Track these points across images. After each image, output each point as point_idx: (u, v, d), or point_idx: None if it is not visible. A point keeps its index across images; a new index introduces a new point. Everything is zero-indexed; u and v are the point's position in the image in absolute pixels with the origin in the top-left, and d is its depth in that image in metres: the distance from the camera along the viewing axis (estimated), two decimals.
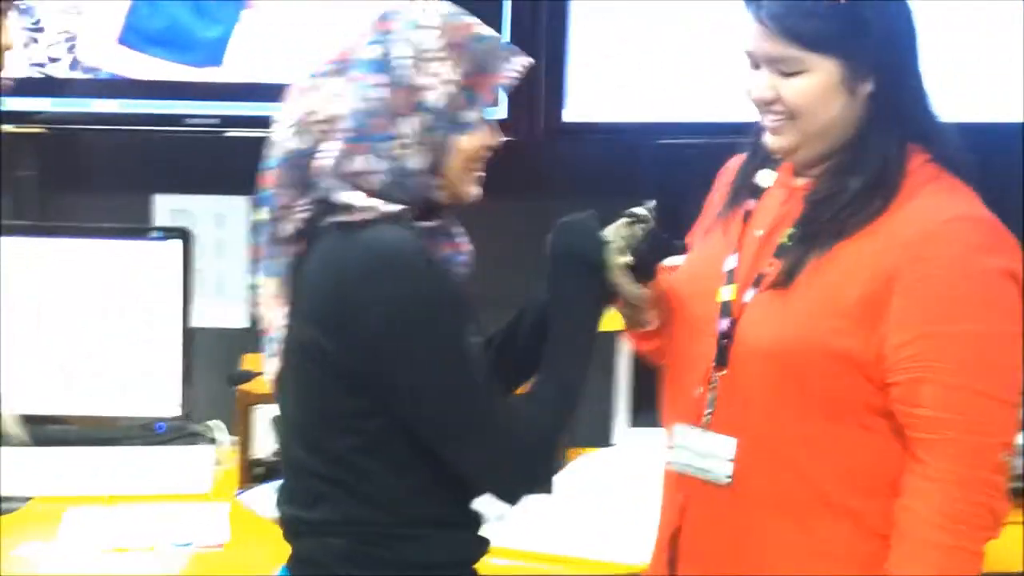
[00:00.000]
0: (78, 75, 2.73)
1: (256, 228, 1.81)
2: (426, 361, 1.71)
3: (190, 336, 2.73)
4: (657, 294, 1.93)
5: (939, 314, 1.75)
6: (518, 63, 1.79)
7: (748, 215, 1.92)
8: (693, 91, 2.85)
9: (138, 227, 2.77)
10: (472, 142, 1.77)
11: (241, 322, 2.96)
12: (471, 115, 1.76)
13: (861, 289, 1.77)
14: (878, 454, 1.80)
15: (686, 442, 1.89)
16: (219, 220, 2.96)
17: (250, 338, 2.93)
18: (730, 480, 1.84)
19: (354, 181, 1.73)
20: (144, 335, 2.71)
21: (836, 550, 1.82)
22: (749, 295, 1.86)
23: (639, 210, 1.87)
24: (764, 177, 1.93)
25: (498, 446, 1.76)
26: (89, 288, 2.70)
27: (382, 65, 1.73)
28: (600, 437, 2.82)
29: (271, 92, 2.75)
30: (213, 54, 2.76)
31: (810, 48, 1.79)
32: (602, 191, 2.98)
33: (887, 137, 1.82)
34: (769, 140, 1.87)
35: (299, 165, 1.76)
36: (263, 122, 2.75)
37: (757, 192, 1.93)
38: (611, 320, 2.64)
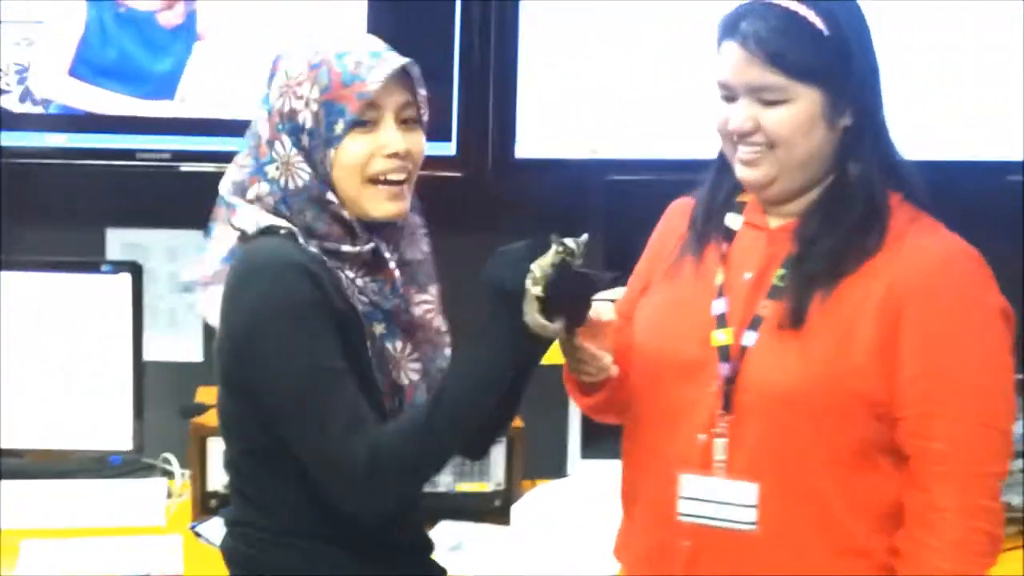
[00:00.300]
0: (28, 107, 2.74)
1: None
2: (276, 368, 1.74)
3: (141, 369, 2.73)
4: (591, 338, 1.85)
5: (945, 350, 1.79)
6: (384, 68, 1.80)
7: (725, 257, 1.90)
8: (644, 127, 2.88)
9: (88, 260, 2.78)
10: (346, 154, 1.80)
11: (195, 356, 2.98)
12: (337, 128, 1.79)
13: (872, 329, 1.79)
14: (888, 490, 1.82)
15: (699, 491, 1.85)
16: (172, 254, 2.97)
17: (204, 371, 2.97)
18: (755, 526, 1.82)
19: (253, 204, 1.84)
20: (96, 368, 2.71)
21: None
22: (749, 338, 1.84)
23: (569, 241, 1.79)
24: (732, 220, 1.92)
25: (332, 457, 1.74)
26: (41, 321, 2.70)
27: (264, 100, 1.85)
28: (554, 468, 2.84)
29: (223, 127, 2.86)
30: (164, 87, 2.78)
31: (795, 76, 1.79)
32: (552, 227, 3.02)
33: (868, 172, 1.84)
34: (743, 173, 1.85)
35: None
36: (215, 156, 2.85)
37: (729, 234, 1.91)
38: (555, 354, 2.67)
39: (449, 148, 2.80)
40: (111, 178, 2.90)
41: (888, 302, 1.79)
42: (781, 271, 1.85)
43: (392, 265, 1.85)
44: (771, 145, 1.82)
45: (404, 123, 1.84)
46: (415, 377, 1.87)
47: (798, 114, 1.80)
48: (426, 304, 1.91)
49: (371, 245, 1.83)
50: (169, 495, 2.71)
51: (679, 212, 2.03)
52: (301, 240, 1.80)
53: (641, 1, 2.83)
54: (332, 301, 1.78)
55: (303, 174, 1.81)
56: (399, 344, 1.85)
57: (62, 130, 2.79)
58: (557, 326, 1.76)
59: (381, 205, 1.82)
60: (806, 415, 1.79)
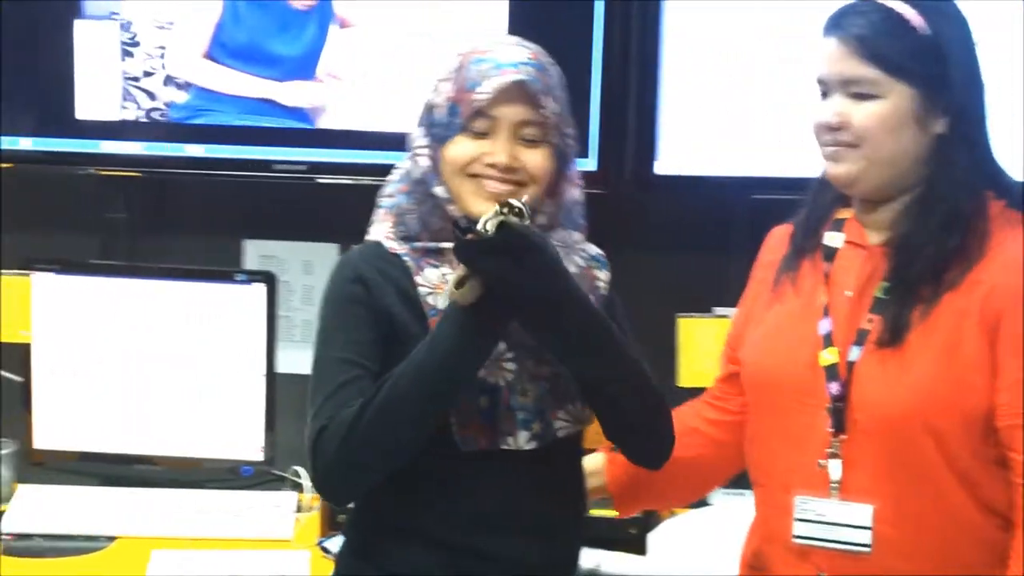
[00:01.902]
0: (171, 91, 2.77)
1: None
2: (315, 345, 1.89)
3: (273, 380, 2.71)
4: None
5: None
6: (497, 81, 1.81)
7: (827, 277, 1.88)
8: (788, 145, 2.77)
9: (223, 270, 2.77)
10: (451, 152, 1.84)
11: None
12: (451, 129, 1.85)
13: (975, 341, 1.75)
14: (1001, 501, 1.78)
15: (814, 513, 1.83)
16: (307, 267, 2.95)
17: None
18: (869, 549, 1.79)
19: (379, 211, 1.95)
20: (229, 378, 2.70)
21: None
22: (854, 353, 1.82)
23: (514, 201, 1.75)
24: (833, 238, 1.90)
25: (307, 435, 1.84)
26: (175, 329, 2.69)
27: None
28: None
29: (360, 140, 2.84)
30: (299, 69, 2.77)
31: (889, 71, 1.78)
32: (692, 245, 2.97)
33: (964, 182, 1.80)
34: (829, 169, 1.85)
35: None
36: (351, 169, 2.84)
37: (830, 254, 1.89)
38: (705, 376, 2.58)
39: (589, 163, 2.74)
40: (249, 189, 2.90)
41: (987, 312, 1.76)
42: (885, 284, 1.82)
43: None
44: (858, 141, 1.80)
45: (524, 140, 1.84)
46: (511, 379, 1.83)
47: (888, 111, 1.79)
48: None
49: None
50: (298, 509, 2.67)
51: (779, 239, 2.01)
52: (388, 246, 1.88)
53: (790, 13, 2.74)
54: (379, 301, 1.83)
55: (422, 162, 1.88)
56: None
57: (202, 141, 2.80)
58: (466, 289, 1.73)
59: (479, 202, 1.84)
60: (919, 432, 1.75)
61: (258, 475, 2.74)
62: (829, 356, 1.83)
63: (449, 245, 1.82)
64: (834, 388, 1.81)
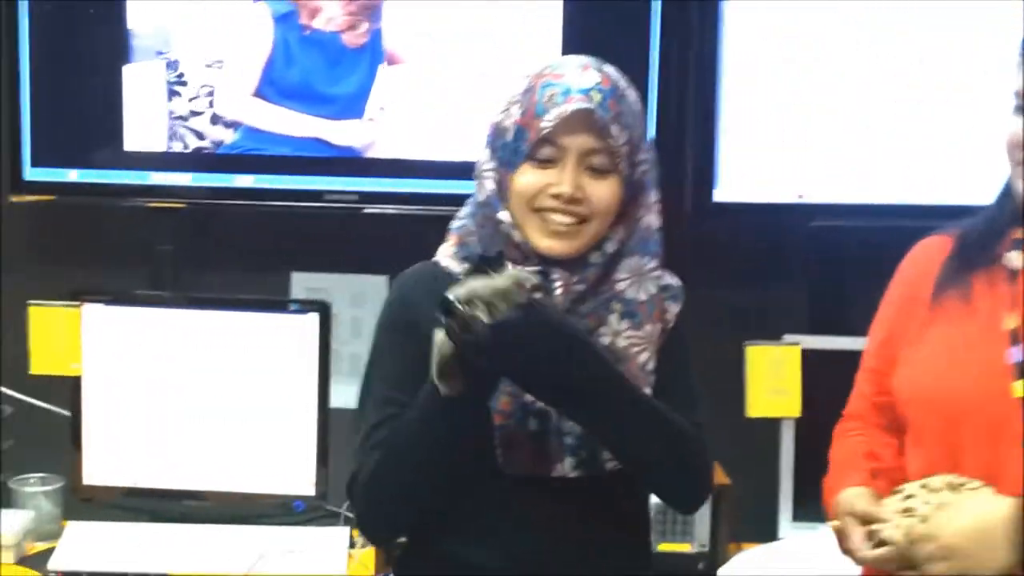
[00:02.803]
0: (219, 130, 2.72)
1: None
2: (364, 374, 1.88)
3: (327, 412, 2.64)
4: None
5: None
6: (563, 108, 1.74)
7: (1016, 301, 1.72)
8: (850, 171, 2.73)
9: (275, 299, 2.71)
10: (518, 181, 1.78)
11: None
12: (518, 154, 1.78)
13: None
14: None
15: None
16: (356, 299, 2.90)
17: None
18: None
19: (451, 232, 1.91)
20: (281, 411, 2.63)
21: None
22: None
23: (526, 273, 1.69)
24: (1014, 259, 1.75)
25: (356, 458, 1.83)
26: (226, 361, 2.63)
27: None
28: (762, 532, 2.63)
29: (410, 169, 2.79)
30: (350, 107, 2.73)
31: None
32: (753, 273, 2.91)
33: None
34: None
35: None
36: (402, 198, 2.79)
37: (1012, 274, 1.74)
38: (775, 405, 2.49)
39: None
40: (296, 221, 2.85)
41: None
42: None
43: (557, 294, 1.76)
44: None
45: (591, 170, 1.77)
46: None
47: None
48: (635, 341, 1.80)
49: (537, 268, 1.76)
50: (351, 544, 2.59)
51: (929, 254, 1.85)
52: (444, 264, 1.85)
53: (849, 38, 2.69)
54: (426, 324, 1.72)
55: (488, 185, 1.83)
56: None
57: (249, 171, 2.76)
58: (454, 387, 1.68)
59: (542, 238, 1.79)
60: None
61: (310, 510, 2.67)
62: (1022, 387, 1.68)
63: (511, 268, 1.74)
64: None
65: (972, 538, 1.61)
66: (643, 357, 1.81)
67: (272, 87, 2.72)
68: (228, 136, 2.74)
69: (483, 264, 1.68)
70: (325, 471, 2.64)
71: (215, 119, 2.73)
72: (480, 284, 1.64)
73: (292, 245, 2.91)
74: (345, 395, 2.79)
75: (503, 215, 1.80)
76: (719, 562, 2.46)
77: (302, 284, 2.90)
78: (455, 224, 1.88)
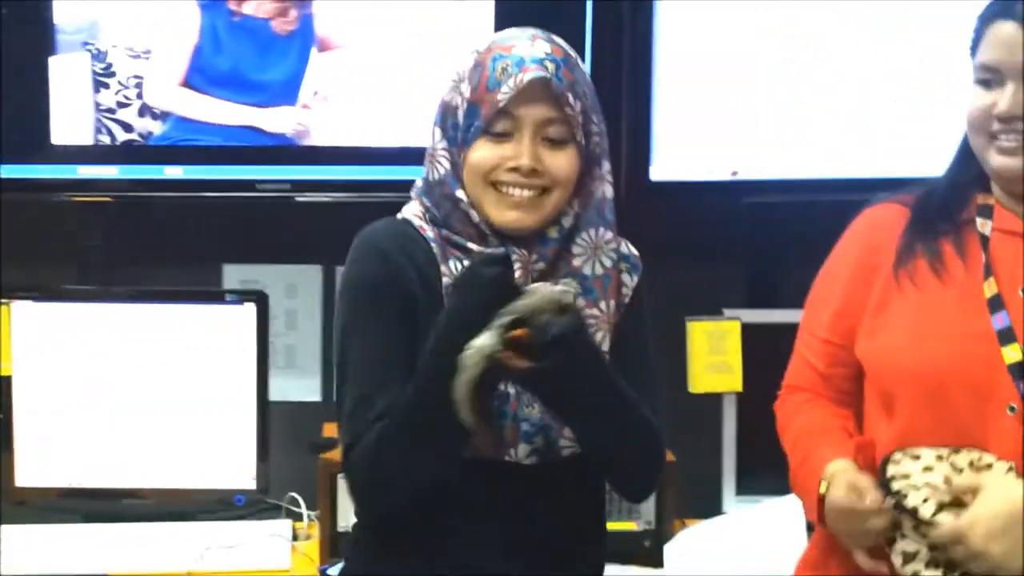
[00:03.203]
0: (147, 122, 2.66)
1: None
2: (335, 339, 1.80)
3: (266, 404, 2.60)
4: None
5: None
6: (519, 78, 1.72)
7: (989, 268, 1.73)
8: (787, 146, 2.72)
9: (211, 290, 2.68)
10: (472, 157, 1.75)
11: (313, 395, 2.86)
12: (472, 131, 1.75)
13: None
14: None
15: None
16: (290, 290, 2.86)
17: (322, 411, 2.85)
18: None
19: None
20: (218, 404, 2.59)
21: None
22: None
23: (563, 291, 1.65)
24: (983, 225, 1.75)
25: (340, 434, 1.78)
26: (161, 356, 2.58)
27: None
28: (707, 507, 2.64)
29: (344, 156, 2.75)
30: (282, 94, 2.68)
31: None
32: (691, 254, 2.91)
33: None
34: (1001, 162, 1.70)
35: None
36: (336, 186, 2.75)
37: (984, 241, 1.74)
38: (717, 381, 2.48)
39: None
40: (227, 212, 2.81)
41: None
42: None
43: (517, 273, 1.73)
44: None
45: (548, 140, 1.74)
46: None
47: None
48: (591, 320, 1.77)
49: (501, 250, 1.73)
50: (295, 537, 2.56)
51: (883, 222, 1.84)
52: (417, 224, 1.80)
53: (784, 13, 2.69)
54: (408, 286, 1.74)
55: (441, 168, 1.79)
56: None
57: (178, 162, 2.69)
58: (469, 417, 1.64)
59: (501, 212, 1.76)
60: None
61: (251, 504, 2.63)
62: (1013, 353, 1.68)
63: (475, 247, 1.74)
64: (1022, 387, 1.66)
65: (1005, 540, 1.61)
66: (598, 336, 1.78)
67: (201, 75, 2.66)
68: (157, 128, 2.67)
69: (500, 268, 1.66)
70: (265, 464, 2.60)
71: (143, 110, 2.67)
72: (521, 304, 1.61)
73: (223, 237, 2.86)
74: (280, 388, 2.77)
75: (460, 194, 1.76)
76: (665, 539, 2.46)
77: (234, 276, 2.85)
78: (415, 190, 1.83)
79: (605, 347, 1.79)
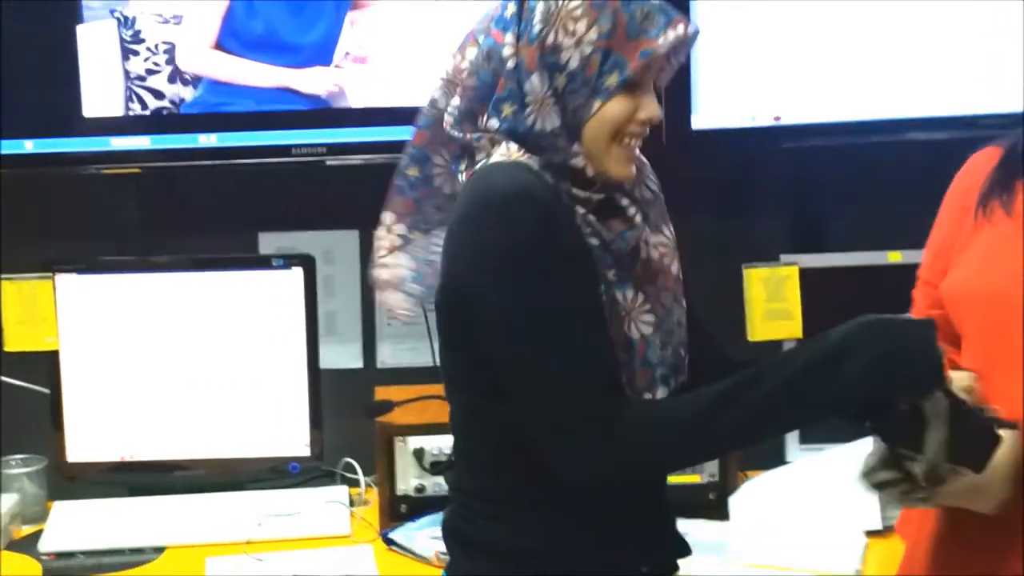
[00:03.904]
0: (178, 88, 2.62)
1: (412, 184, 1.75)
2: (502, 308, 1.56)
3: (317, 369, 2.57)
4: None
5: None
6: (676, 30, 1.60)
7: None
8: (825, 91, 2.67)
9: (256, 256, 2.63)
10: (612, 110, 1.61)
11: (355, 362, 2.82)
12: (609, 79, 1.60)
13: None
14: None
15: None
16: (328, 256, 2.80)
17: (366, 378, 2.82)
18: None
19: (481, 135, 1.65)
20: (266, 372, 2.55)
21: None
22: None
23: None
24: None
25: (580, 413, 1.56)
26: (207, 325, 2.55)
27: (512, 22, 1.63)
28: (770, 457, 2.58)
29: (381, 116, 2.70)
30: (317, 55, 2.63)
31: None
32: (735, 201, 2.88)
33: None
34: None
35: (439, 120, 1.69)
36: (373, 148, 2.70)
37: None
38: (776, 328, 2.44)
39: None
40: (261, 178, 2.75)
41: None
42: None
43: (633, 211, 1.66)
44: None
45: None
46: (647, 331, 1.66)
47: None
48: (663, 246, 1.70)
49: (602, 195, 1.65)
50: (351, 503, 2.54)
51: (979, 165, 1.83)
52: (536, 170, 1.62)
53: None
54: (572, 239, 1.60)
55: (554, 118, 1.62)
56: (630, 293, 1.65)
57: (210, 130, 2.64)
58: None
59: (622, 166, 1.65)
60: None
61: (306, 472, 2.60)
62: None
63: (580, 192, 1.62)
64: None
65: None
66: (675, 266, 1.72)
67: (234, 38, 2.61)
68: (188, 93, 2.62)
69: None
70: (319, 431, 2.56)
71: (173, 76, 2.62)
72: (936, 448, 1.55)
73: (259, 204, 2.81)
74: (323, 355, 2.72)
75: (576, 147, 1.63)
76: (730, 491, 2.43)
77: (271, 243, 2.79)
78: (505, 135, 1.64)
79: (681, 275, 1.73)
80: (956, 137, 2.66)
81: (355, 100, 2.66)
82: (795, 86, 2.69)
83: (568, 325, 1.58)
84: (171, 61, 2.61)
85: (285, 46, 2.62)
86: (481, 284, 1.58)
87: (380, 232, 1.79)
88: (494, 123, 1.64)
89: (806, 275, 2.57)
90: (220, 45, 2.62)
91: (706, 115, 2.69)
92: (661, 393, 1.68)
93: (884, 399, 1.57)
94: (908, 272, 2.67)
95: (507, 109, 1.63)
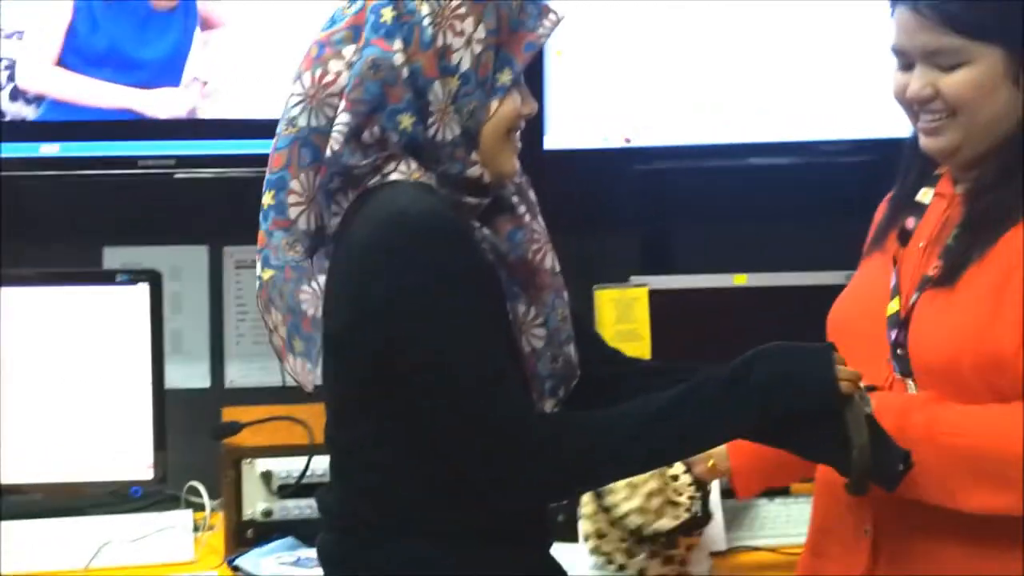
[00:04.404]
0: (19, 107, 2.53)
1: (264, 214, 1.65)
2: (428, 337, 1.52)
3: (162, 389, 2.51)
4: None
5: None
6: (549, 19, 1.62)
7: (903, 231, 1.82)
8: (680, 112, 2.73)
9: (100, 271, 2.57)
10: (508, 108, 1.61)
11: (202, 382, 2.77)
12: (502, 77, 1.60)
13: (1013, 287, 1.69)
14: None
15: None
16: (175, 272, 2.74)
17: (212, 399, 2.76)
18: None
19: (374, 153, 1.58)
20: (109, 392, 2.48)
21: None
22: (915, 300, 1.76)
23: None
24: (924, 195, 1.84)
25: (503, 431, 1.54)
26: (47, 341, 2.47)
27: (396, 28, 1.57)
28: None
29: (228, 129, 2.66)
30: (164, 74, 2.57)
31: (972, 36, 1.71)
32: (587, 221, 2.89)
33: None
34: (926, 142, 1.77)
35: (313, 143, 1.60)
36: (224, 161, 2.66)
37: (919, 210, 1.83)
38: (625, 348, 2.45)
39: None
40: (107, 191, 2.68)
41: None
42: (955, 231, 1.76)
43: (522, 209, 1.66)
44: (952, 111, 1.73)
45: None
46: (539, 344, 1.66)
47: (978, 76, 1.72)
48: (535, 243, 1.69)
49: (488, 198, 1.63)
50: (196, 528, 2.47)
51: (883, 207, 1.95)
52: (434, 187, 1.58)
53: None
54: (482, 257, 1.58)
55: (456, 126, 1.59)
56: (522, 308, 1.65)
57: (56, 139, 2.56)
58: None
59: (512, 162, 1.65)
60: (970, 372, 1.68)
61: (148, 495, 2.53)
62: (893, 306, 1.78)
63: (471, 200, 1.61)
64: (892, 335, 1.76)
65: None
66: (548, 261, 1.71)
67: (77, 55, 2.54)
68: (31, 112, 2.55)
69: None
70: (163, 454, 2.50)
71: (15, 95, 2.53)
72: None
73: (104, 218, 2.74)
74: (169, 374, 2.66)
75: (475, 155, 1.61)
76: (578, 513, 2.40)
77: (116, 258, 2.73)
78: (400, 148, 1.59)
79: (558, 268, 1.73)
80: (795, 163, 2.77)
81: (206, 112, 2.61)
82: (646, 109, 2.74)
83: (495, 344, 1.56)
84: (12, 78, 2.53)
85: (129, 62, 2.56)
86: (406, 315, 1.53)
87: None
88: (393, 136, 1.58)
89: (655, 296, 2.60)
90: (62, 62, 2.54)
91: (558, 136, 2.72)
92: (549, 404, 1.69)
93: (794, 419, 1.60)
94: (753, 294, 2.74)
95: (405, 120, 1.58)
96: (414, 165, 1.59)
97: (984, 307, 1.69)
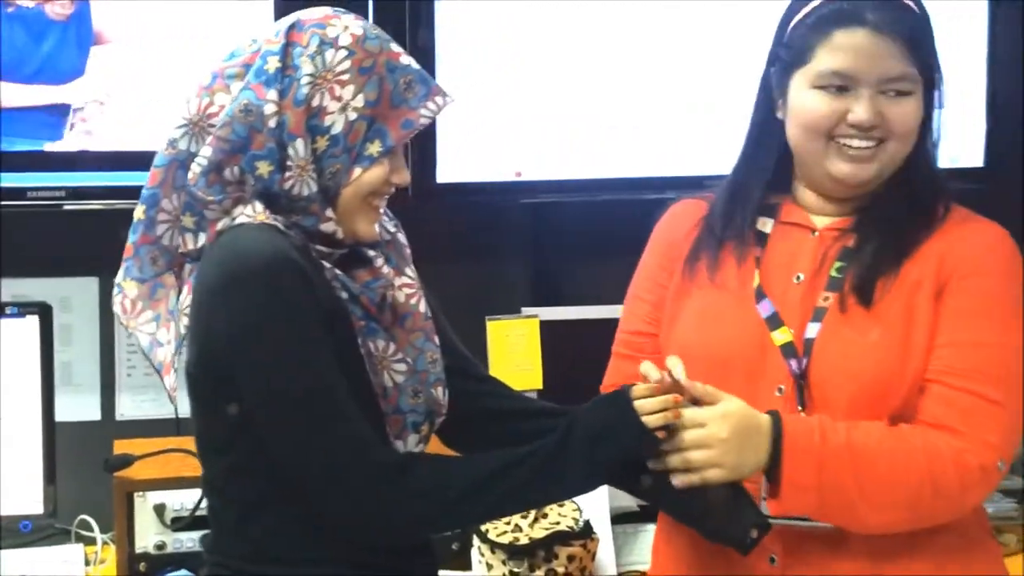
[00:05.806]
0: None
1: (134, 227, 1.71)
2: (269, 375, 1.58)
3: (52, 422, 2.48)
4: None
5: (972, 326, 1.74)
6: (435, 102, 1.67)
7: (759, 261, 1.82)
8: (571, 147, 2.77)
9: None
10: (371, 176, 1.65)
11: (92, 414, 2.76)
12: (371, 148, 1.64)
13: (929, 310, 1.74)
14: None
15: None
16: (65, 304, 2.73)
17: (104, 431, 2.74)
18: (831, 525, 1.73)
19: (230, 192, 1.64)
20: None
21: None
22: (812, 330, 1.77)
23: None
24: (764, 224, 1.84)
25: (349, 465, 1.59)
26: None
27: (276, 79, 1.62)
28: None
29: (123, 160, 2.65)
30: (58, 75, 2.56)
31: (920, 68, 1.75)
32: (478, 253, 2.94)
33: (932, 169, 1.82)
34: (846, 169, 1.77)
35: (187, 167, 1.65)
36: (114, 193, 2.65)
37: (762, 239, 1.84)
38: (517, 378, 2.50)
39: None
40: None
41: (938, 281, 1.75)
42: (838, 264, 1.79)
43: (380, 262, 1.70)
44: (884, 139, 1.76)
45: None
46: (400, 379, 1.70)
47: (917, 107, 1.76)
48: (407, 287, 1.74)
49: (345, 250, 1.68)
50: (87, 563, 2.45)
51: (686, 214, 1.93)
52: (283, 230, 1.62)
53: (564, 16, 2.73)
54: (327, 296, 1.62)
55: (312, 184, 1.63)
56: (381, 343, 1.68)
57: None
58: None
59: (370, 227, 1.69)
60: (877, 401, 1.72)
61: (38, 530, 2.50)
62: (782, 336, 1.77)
63: (324, 249, 1.65)
64: (794, 365, 1.76)
65: (740, 436, 1.69)
66: (422, 306, 1.75)
67: None
68: None
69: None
70: (53, 487, 2.48)
71: None
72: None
73: None
74: (59, 407, 2.63)
75: (329, 212, 1.66)
76: (470, 542, 2.42)
77: (5, 290, 2.70)
78: (255, 193, 1.64)
79: (430, 313, 1.77)
80: (683, 197, 2.83)
81: (97, 143, 2.60)
82: (537, 144, 2.78)
83: (336, 385, 1.60)
84: None
85: (29, 68, 2.55)
86: (246, 351, 1.58)
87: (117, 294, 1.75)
88: (249, 180, 1.62)
89: (546, 327, 2.65)
90: None
91: (451, 169, 2.76)
92: (412, 439, 1.72)
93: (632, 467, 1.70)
94: None
95: (263, 168, 1.62)
96: (260, 208, 1.63)
97: (896, 337, 1.73)
